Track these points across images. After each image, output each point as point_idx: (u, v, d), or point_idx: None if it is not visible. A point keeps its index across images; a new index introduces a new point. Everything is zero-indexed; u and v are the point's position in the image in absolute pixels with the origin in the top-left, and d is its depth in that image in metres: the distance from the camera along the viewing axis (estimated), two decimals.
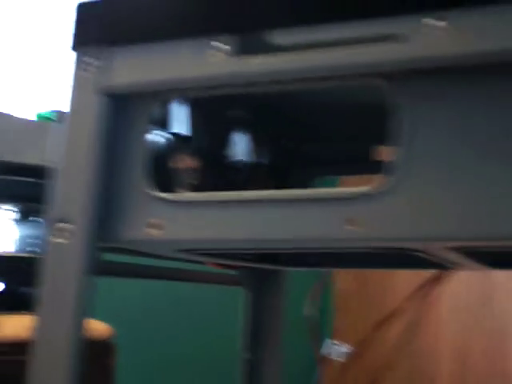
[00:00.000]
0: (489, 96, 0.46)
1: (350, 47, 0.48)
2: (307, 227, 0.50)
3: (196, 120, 0.65)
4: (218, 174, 0.68)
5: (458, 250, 0.53)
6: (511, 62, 0.44)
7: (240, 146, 0.72)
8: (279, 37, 0.50)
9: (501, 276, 2.11)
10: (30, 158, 1.26)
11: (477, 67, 0.46)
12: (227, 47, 0.51)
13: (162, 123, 0.65)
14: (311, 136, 0.79)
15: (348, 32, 0.48)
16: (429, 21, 0.46)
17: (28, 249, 1.37)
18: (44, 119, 1.38)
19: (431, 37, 0.46)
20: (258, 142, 0.73)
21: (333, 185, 2.15)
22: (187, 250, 0.61)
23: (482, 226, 0.45)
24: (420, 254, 0.55)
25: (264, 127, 0.74)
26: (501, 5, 0.44)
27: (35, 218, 1.37)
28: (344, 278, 2.45)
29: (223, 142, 0.69)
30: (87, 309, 0.56)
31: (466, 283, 2.23)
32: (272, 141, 0.76)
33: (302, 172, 0.79)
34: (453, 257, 0.57)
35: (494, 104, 0.46)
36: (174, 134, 0.64)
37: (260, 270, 0.83)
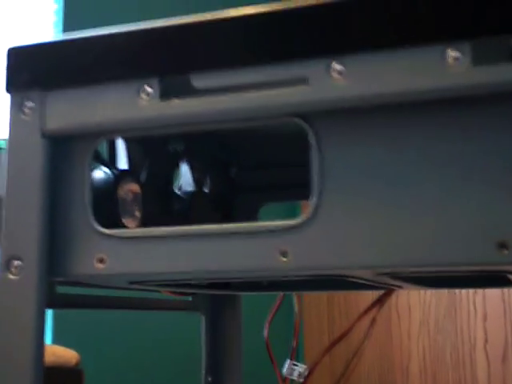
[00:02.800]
0: (387, 133, 0.50)
1: (262, 90, 0.52)
2: (244, 259, 0.53)
3: (137, 154, 0.68)
4: (162, 204, 0.70)
5: (386, 274, 0.56)
6: (402, 103, 0.49)
7: (182, 176, 0.75)
8: (200, 81, 0.54)
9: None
10: None
11: (373, 108, 0.50)
12: (152, 91, 0.55)
13: (111, 158, 0.68)
14: (254, 163, 0.82)
15: (260, 76, 0.52)
16: (330, 65, 0.50)
17: None
18: None
19: (331, 80, 0.50)
20: (198, 171, 0.76)
21: (294, 209, 2.18)
22: (137, 282, 0.63)
23: (400, 253, 0.49)
24: (354, 280, 0.58)
25: (204, 156, 0.77)
26: (393, 50, 0.48)
27: None
28: (308, 302, 2.49)
29: (165, 173, 0.72)
30: (42, 340, 0.58)
31: (436, 295, 2.27)
32: (213, 169, 0.79)
33: (247, 199, 0.82)
34: (387, 280, 0.60)
35: (392, 140, 0.50)
36: (119, 169, 0.66)
37: (213, 295, 0.86)
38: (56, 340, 1.67)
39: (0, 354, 0.58)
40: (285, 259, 0.51)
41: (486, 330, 2.15)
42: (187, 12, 0.57)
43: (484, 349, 2.15)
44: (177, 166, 0.76)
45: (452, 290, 2.21)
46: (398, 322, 2.34)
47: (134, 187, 0.66)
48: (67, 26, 2.08)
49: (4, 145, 1.40)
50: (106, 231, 0.57)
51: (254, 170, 0.83)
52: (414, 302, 2.31)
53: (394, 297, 2.35)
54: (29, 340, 0.57)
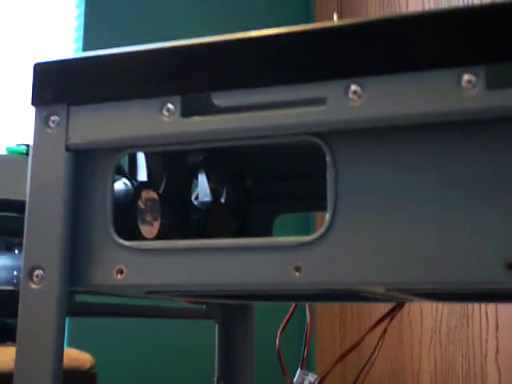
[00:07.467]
0: (401, 153, 0.52)
1: (281, 109, 0.53)
2: (258, 273, 0.55)
3: (157, 166, 0.69)
4: (179, 214, 0.72)
5: (397, 290, 0.57)
6: (418, 125, 0.50)
7: (199, 186, 0.77)
8: (221, 99, 0.55)
9: None
10: (12, 194, 1.30)
11: (388, 129, 0.52)
12: (174, 108, 0.56)
13: (131, 170, 0.69)
14: (270, 174, 0.83)
15: (279, 96, 0.54)
16: (348, 86, 0.51)
17: (14, 281, 1.40)
18: (16, 153, 1.42)
19: (348, 101, 0.51)
20: (215, 181, 0.78)
21: (308, 220, 2.19)
22: (154, 292, 0.65)
23: (412, 271, 0.50)
24: (366, 294, 0.59)
25: (221, 167, 0.79)
26: (409, 74, 0.50)
27: (21, 251, 1.40)
28: (321, 310, 2.49)
29: (183, 184, 0.74)
30: (62, 348, 0.60)
31: (448, 304, 2.27)
32: (229, 180, 0.80)
33: (263, 209, 0.83)
34: (398, 295, 0.61)
35: (406, 160, 0.52)
36: (138, 180, 0.68)
37: (227, 304, 0.87)
38: (71, 343, 1.69)
39: (21, 360, 0.59)
40: (298, 274, 0.53)
41: (497, 340, 2.15)
42: (209, 32, 0.58)
43: (495, 360, 2.15)
44: (194, 176, 0.77)
45: None
46: (410, 330, 2.34)
47: (153, 198, 0.68)
48: (87, 42, 2.09)
49: (26, 150, 1.41)
50: (126, 243, 0.59)
51: (269, 181, 0.85)
52: (426, 310, 2.32)
53: (406, 305, 2.35)
54: (49, 348, 0.59)
